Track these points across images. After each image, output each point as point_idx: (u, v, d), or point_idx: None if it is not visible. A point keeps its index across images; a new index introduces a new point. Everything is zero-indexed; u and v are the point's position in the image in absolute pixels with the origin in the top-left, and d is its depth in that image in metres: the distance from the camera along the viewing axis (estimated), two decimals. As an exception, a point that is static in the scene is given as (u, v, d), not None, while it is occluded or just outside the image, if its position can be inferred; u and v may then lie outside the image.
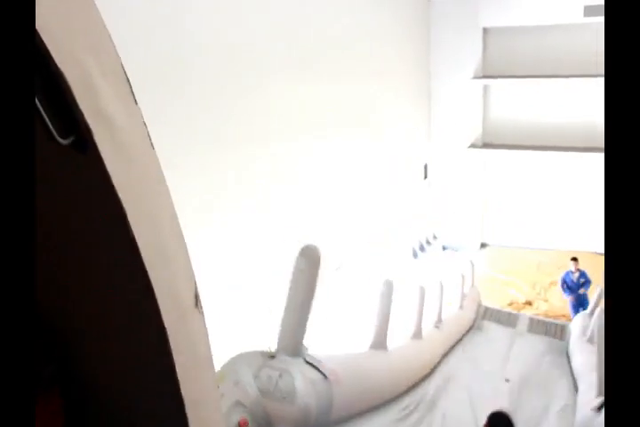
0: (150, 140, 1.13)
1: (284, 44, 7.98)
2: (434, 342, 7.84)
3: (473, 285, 10.82)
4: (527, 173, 15.09)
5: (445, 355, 8.28)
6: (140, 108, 1.10)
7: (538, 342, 9.68)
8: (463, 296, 9.84)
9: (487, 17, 13.92)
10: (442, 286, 8.53)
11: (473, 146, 15.08)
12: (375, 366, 5.19)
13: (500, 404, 5.39)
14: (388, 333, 5.42)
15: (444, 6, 14.37)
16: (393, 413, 5.50)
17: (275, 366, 3.50)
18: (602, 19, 12.44)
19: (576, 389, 7.34)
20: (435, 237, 15.75)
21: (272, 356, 3.58)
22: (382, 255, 11.96)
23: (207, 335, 1.39)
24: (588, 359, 7.49)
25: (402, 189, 13.61)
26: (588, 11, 12.76)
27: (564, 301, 11.88)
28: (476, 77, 14.57)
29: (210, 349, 1.43)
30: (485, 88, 14.93)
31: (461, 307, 9.70)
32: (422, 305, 7.06)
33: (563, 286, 11.15)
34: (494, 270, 13.75)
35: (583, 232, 14.66)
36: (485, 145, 15.17)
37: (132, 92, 1.09)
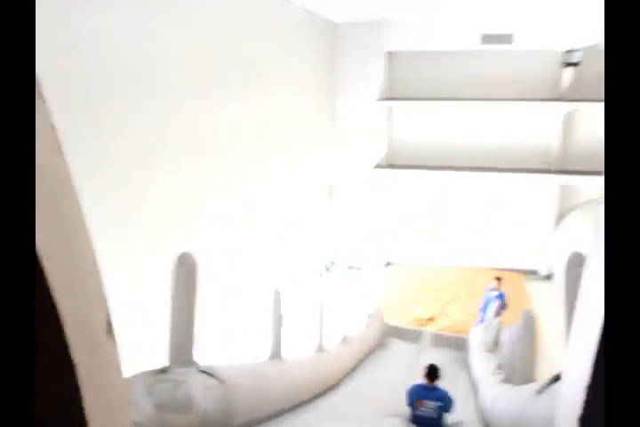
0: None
1: (189, 65, 7.81)
2: (340, 355, 7.91)
3: (377, 307, 11.05)
4: (430, 193, 15.61)
5: (353, 369, 8.37)
6: (57, 131, 0.97)
7: (441, 355, 10.03)
8: (368, 316, 10.03)
9: (391, 41, 14.38)
10: (345, 305, 8.65)
11: (378, 166, 15.43)
12: (273, 374, 5.14)
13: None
14: (283, 343, 5.40)
15: (350, 30, 14.72)
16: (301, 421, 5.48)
17: (168, 379, 3.37)
18: (498, 47, 13.23)
19: (475, 391, 7.69)
20: (340, 257, 15.89)
21: (164, 371, 3.47)
22: (289, 275, 11.92)
23: (120, 367, 1.25)
24: (486, 366, 7.87)
25: (307, 210, 13.64)
26: (485, 39, 13.50)
27: (466, 314, 12.31)
28: (380, 99, 14.96)
29: (124, 382, 1.28)
30: (390, 110, 15.36)
31: (367, 326, 9.86)
32: (322, 319, 7.10)
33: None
34: (399, 288, 14.03)
35: (482, 249, 15.35)
36: (390, 165, 15.56)
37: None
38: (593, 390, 1.37)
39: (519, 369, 5.67)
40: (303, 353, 6.58)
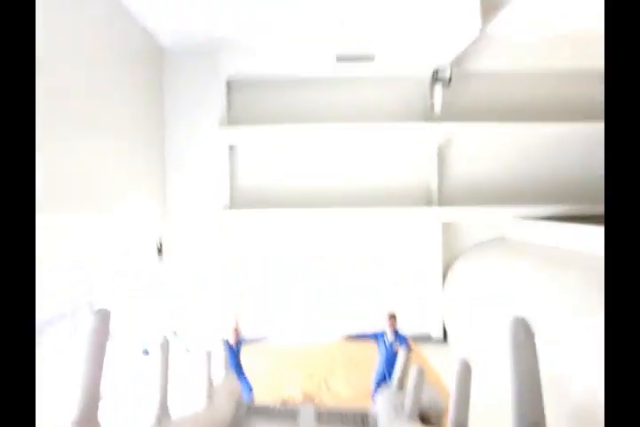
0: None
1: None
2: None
3: (227, 374, 7.41)
4: (285, 249, 12.53)
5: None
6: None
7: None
8: (211, 386, 6.40)
9: (229, 68, 11.89)
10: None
11: (218, 213, 12.18)
12: None
13: None
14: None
15: (182, 58, 12.06)
16: None
17: None
18: (357, 70, 11.28)
19: None
20: (175, 334, 11.82)
21: None
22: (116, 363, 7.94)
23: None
24: None
25: (137, 273, 10.03)
26: (342, 61, 11.47)
27: (352, 389, 9.00)
28: (220, 136, 12.10)
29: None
30: (232, 148, 12.48)
31: (209, 403, 6.14)
32: None
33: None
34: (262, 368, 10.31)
35: (357, 314, 12.22)
36: (234, 212, 12.35)
37: None
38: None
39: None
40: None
